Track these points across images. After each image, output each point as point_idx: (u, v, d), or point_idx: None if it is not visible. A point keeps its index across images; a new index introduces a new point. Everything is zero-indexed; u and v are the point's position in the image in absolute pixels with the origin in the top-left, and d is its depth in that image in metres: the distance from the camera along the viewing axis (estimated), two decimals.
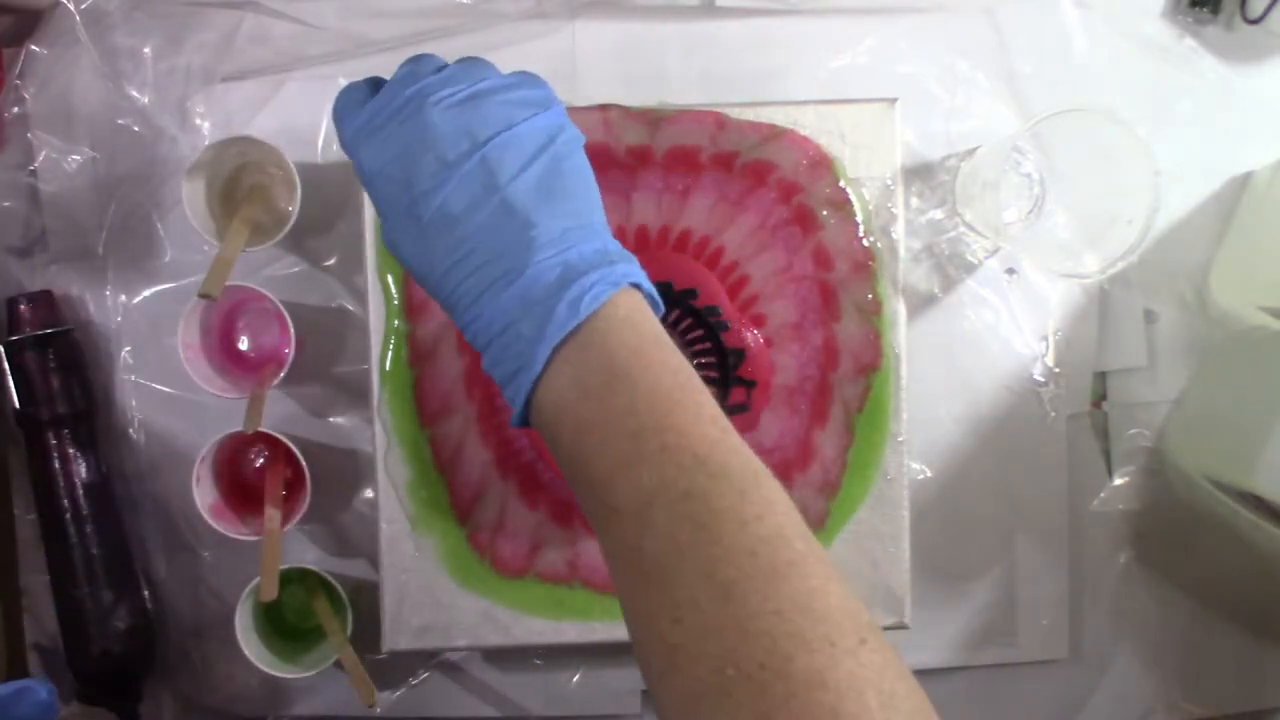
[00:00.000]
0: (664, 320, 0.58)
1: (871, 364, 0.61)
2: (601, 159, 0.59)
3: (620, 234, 0.60)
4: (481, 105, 0.42)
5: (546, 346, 0.39)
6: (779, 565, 0.35)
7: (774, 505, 0.37)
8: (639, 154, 0.60)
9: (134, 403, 0.68)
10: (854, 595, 0.36)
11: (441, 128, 0.41)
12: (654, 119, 0.60)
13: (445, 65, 0.44)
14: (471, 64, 0.44)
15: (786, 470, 0.61)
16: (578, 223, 0.41)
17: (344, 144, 0.44)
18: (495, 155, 0.41)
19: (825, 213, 0.60)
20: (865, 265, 0.60)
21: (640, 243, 0.60)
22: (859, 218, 0.60)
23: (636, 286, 0.42)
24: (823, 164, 0.60)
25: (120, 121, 0.65)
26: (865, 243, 0.60)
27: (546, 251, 0.40)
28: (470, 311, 0.41)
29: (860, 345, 0.61)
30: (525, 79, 0.44)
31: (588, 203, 0.43)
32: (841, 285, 0.60)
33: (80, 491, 0.65)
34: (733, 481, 0.37)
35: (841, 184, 0.60)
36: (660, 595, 0.36)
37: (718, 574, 0.35)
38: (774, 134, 0.60)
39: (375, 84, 0.45)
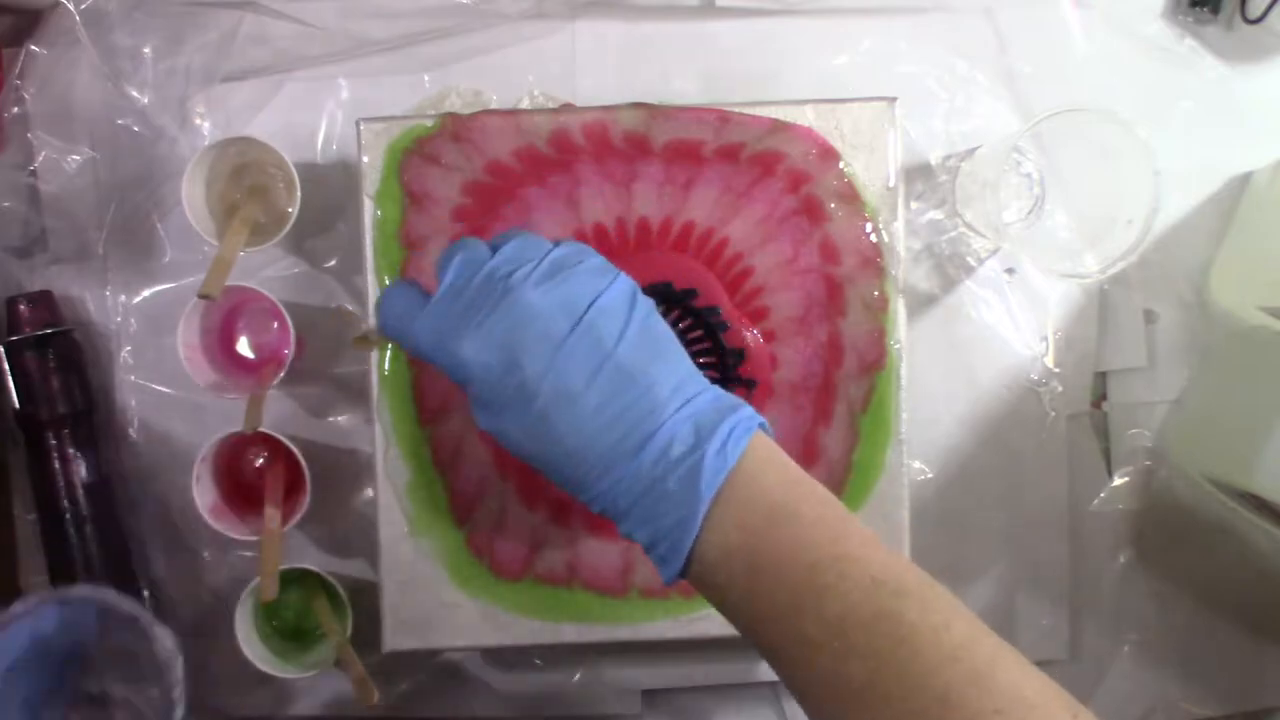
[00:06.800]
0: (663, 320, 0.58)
1: (877, 363, 0.60)
2: (599, 145, 0.59)
3: (621, 227, 0.60)
4: (569, 277, 0.42)
5: (705, 496, 0.40)
6: (981, 665, 0.37)
7: (956, 609, 0.39)
8: (636, 142, 0.60)
9: (134, 403, 0.68)
10: (1039, 671, 0.38)
11: (540, 305, 0.41)
12: (652, 112, 0.60)
13: (493, 245, 0.45)
14: (524, 239, 0.44)
15: None
16: (686, 376, 0.42)
17: (422, 347, 0.43)
18: (598, 322, 0.41)
19: (833, 205, 0.60)
20: (873, 261, 0.60)
21: (642, 236, 0.60)
22: (866, 212, 0.60)
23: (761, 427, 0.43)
24: (831, 155, 0.60)
25: (120, 121, 0.65)
26: (873, 238, 0.60)
27: (671, 407, 0.41)
28: (604, 481, 0.41)
29: (866, 343, 0.60)
30: (582, 247, 0.45)
31: (683, 356, 0.44)
32: (848, 280, 0.60)
33: (80, 491, 0.65)
34: (913, 596, 0.39)
35: (847, 179, 0.60)
36: (877, 713, 0.37)
37: (931, 684, 0.37)
38: (780, 126, 0.60)
39: (413, 283, 0.45)
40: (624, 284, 0.44)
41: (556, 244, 0.44)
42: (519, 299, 0.41)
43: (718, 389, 0.43)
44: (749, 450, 0.41)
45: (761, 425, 0.43)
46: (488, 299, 0.42)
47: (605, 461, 0.41)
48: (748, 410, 0.42)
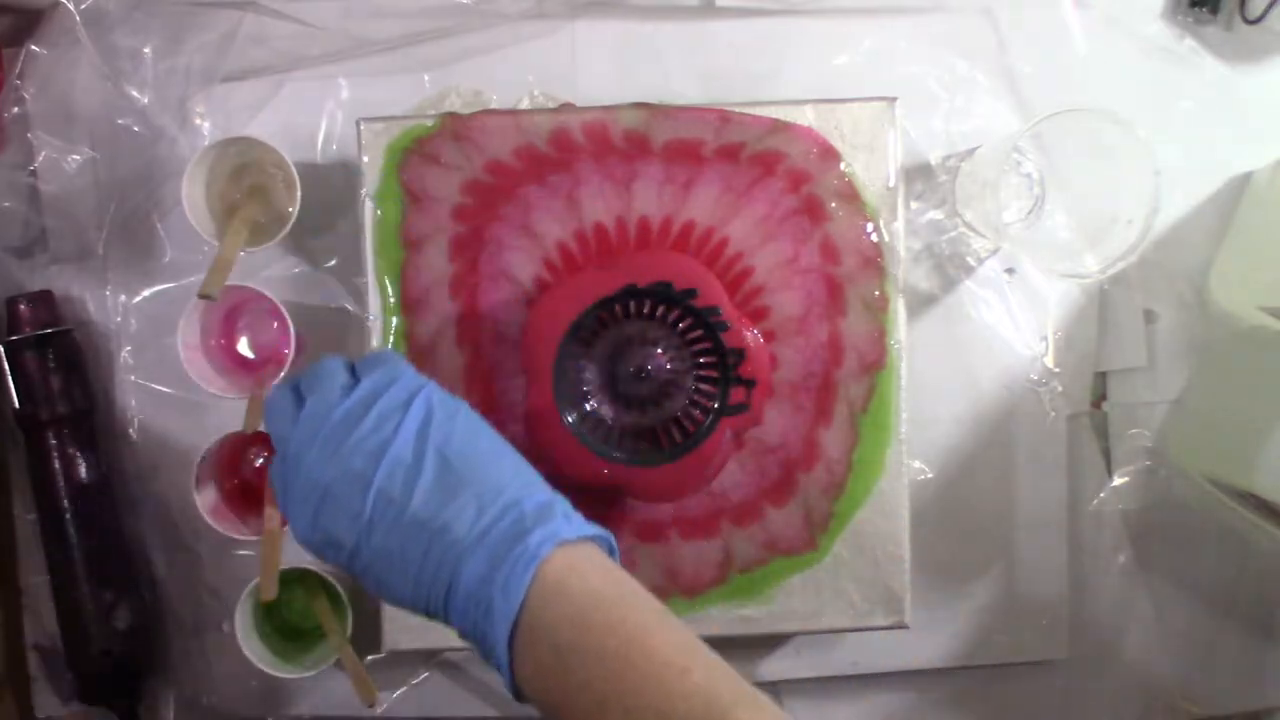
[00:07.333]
0: (664, 320, 0.58)
1: (877, 362, 0.60)
2: (599, 144, 0.60)
3: (621, 226, 0.60)
4: (352, 438, 0.42)
5: (503, 641, 0.40)
6: None
7: None
8: (636, 141, 0.60)
9: (134, 403, 0.68)
10: None
11: (333, 485, 0.42)
12: (652, 112, 0.60)
13: (299, 389, 0.44)
14: (316, 376, 0.44)
15: (791, 470, 0.61)
16: (485, 500, 0.41)
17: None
18: (386, 486, 0.41)
19: (834, 204, 0.60)
20: (874, 260, 0.60)
21: (642, 236, 0.60)
22: (867, 212, 0.60)
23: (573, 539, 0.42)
24: (832, 155, 0.60)
25: (120, 121, 0.65)
26: (874, 238, 0.60)
27: (466, 545, 0.41)
28: (449, 622, 0.42)
29: (866, 343, 0.60)
30: (370, 366, 0.44)
31: (488, 470, 0.43)
32: (849, 280, 0.60)
33: (80, 491, 0.65)
34: None
35: (848, 179, 0.60)
36: None
37: None
38: (780, 126, 0.60)
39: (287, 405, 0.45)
40: (414, 418, 0.43)
41: (354, 381, 0.44)
42: (316, 481, 0.42)
43: (537, 497, 0.42)
44: (538, 583, 0.40)
45: (596, 539, 0.42)
46: (294, 476, 0.43)
47: (438, 607, 0.42)
48: (541, 532, 0.41)
